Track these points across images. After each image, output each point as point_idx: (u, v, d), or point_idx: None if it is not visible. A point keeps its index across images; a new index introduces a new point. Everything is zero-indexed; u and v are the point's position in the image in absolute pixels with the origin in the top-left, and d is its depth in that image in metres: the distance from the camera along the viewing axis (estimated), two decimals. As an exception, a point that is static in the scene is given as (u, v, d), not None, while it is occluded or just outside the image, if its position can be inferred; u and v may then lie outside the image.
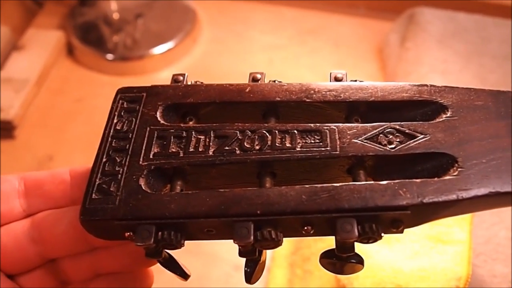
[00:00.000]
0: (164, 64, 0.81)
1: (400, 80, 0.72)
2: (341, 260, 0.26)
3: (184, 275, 0.29)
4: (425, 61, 0.72)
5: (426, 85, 0.30)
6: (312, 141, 0.28)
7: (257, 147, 0.28)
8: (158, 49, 0.81)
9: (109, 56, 0.80)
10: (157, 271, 0.31)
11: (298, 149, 0.28)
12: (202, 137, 0.29)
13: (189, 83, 0.31)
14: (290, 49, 0.84)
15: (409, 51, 0.74)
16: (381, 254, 0.48)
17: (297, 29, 0.87)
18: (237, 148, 0.28)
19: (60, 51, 0.82)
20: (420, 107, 0.30)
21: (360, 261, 0.26)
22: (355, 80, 0.31)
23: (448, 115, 0.29)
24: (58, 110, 0.76)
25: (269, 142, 0.28)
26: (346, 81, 0.31)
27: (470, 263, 0.45)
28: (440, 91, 0.30)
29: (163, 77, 0.81)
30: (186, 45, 0.83)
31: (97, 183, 0.27)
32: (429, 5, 0.79)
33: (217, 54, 0.83)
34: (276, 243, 0.25)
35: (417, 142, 0.28)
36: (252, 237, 0.25)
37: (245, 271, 0.27)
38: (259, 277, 0.28)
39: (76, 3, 0.86)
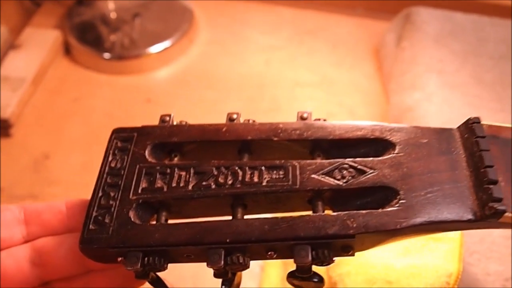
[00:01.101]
0: (161, 63, 0.83)
1: (396, 80, 0.73)
2: (303, 280, 0.30)
3: None
4: (421, 60, 0.73)
5: (378, 124, 0.34)
6: (277, 176, 0.32)
7: (230, 182, 0.32)
8: (155, 48, 0.83)
9: (106, 55, 0.82)
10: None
11: (264, 183, 0.32)
12: (183, 173, 0.33)
13: (175, 122, 0.36)
14: (288, 50, 0.85)
15: (405, 51, 0.75)
16: (373, 252, 0.48)
17: (295, 29, 0.88)
18: (212, 183, 0.32)
19: (57, 51, 0.84)
20: (373, 144, 0.33)
21: (320, 280, 0.30)
22: (319, 119, 0.35)
23: (396, 151, 0.32)
24: (55, 109, 0.77)
25: (240, 178, 0.32)
26: (311, 120, 0.35)
27: (461, 261, 0.45)
28: (390, 130, 0.33)
29: (159, 76, 0.82)
30: (183, 44, 0.84)
31: (93, 215, 0.31)
32: (425, 5, 0.79)
33: (214, 54, 0.85)
34: (244, 267, 0.29)
35: (366, 177, 0.31)
36: (222, 262, 0.29)
37: None
38: None
39: (73, 2, 0.88)
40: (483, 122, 0.32)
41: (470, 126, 0.32)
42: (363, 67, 0.83)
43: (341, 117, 0.75)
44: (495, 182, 0.30)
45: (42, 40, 0.84)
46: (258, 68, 0.83)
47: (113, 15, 0.88)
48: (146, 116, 0.75)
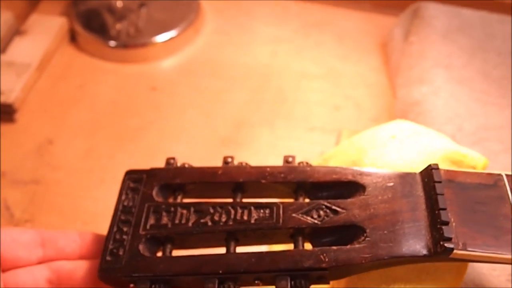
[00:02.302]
0: (166, 52, 0.84)
1: (403, 74, 0.73)
2: None
3: None
4: (428, 55, 0.74)
5: (351, 169, 0.39)
6: (263, 215, 0.37)
7: (223, 220, 0.37)
8: (161, 38, 0.84)
9: (112, 43, 0.83)
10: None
11: (252, 221, 0.37)
12: (185, 211, 0.38)
13: (178, 164, 0.41)
14: (294, 42, 0.86)
15: (413, 45, 0.76)
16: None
17: (301, 22, 0.88)
18: (209, 221, 0.38)
19: (62, 37, 0.85)
20: (346, 186, 0.39)
21: None
22: (302, 162, 0.40)
23: (365, 194, 0.37)
24: (60, 95, 0.77)
25: (232, 216, 0.38)
26: (295, 163, 0.40)
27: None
28: (361, 174, 0.39)
29: (165, 65, 0.82)
30: (189, 34, 0.85)
31: (109, 248, 0.37)
32: (434, 0, 0.79)
33: (220, 45, 0.85)
34: None
35: (338, 216, 0.37)
36: None
37: None
38: None
39: (79, -10, 0.87)
40: (440, 167, 0.37)
41: (430, 172, 0.37)
42: (370, 60, 0.83)
43: (347, 110, 0.76)
44: (446, 223, 0.34)
45: (47, 26, 0.86)
46: (264, 59, 0.83)
47: (119, 4, 0.89)
48: (150, 105, 0.75)
